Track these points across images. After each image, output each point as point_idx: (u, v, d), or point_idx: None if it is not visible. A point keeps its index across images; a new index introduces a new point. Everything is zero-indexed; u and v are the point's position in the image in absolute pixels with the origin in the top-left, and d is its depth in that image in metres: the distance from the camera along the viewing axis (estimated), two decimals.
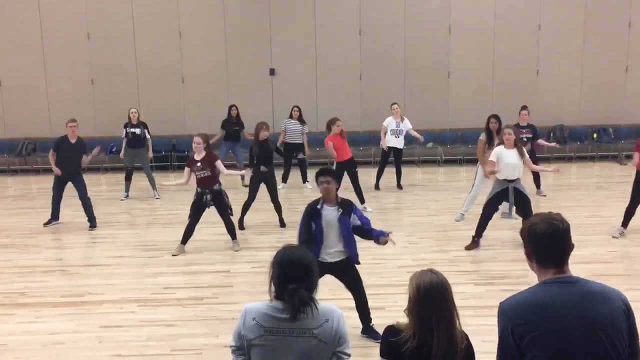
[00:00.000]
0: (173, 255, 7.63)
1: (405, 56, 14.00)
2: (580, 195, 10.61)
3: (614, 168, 13.27)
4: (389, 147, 11.20)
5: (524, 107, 10.49)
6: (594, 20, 13.88)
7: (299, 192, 11.30)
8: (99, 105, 13.95)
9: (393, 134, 11.13)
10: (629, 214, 7.93)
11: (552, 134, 14.15)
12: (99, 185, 12.27)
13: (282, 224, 8.90)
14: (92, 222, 9.07)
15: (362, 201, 9.71)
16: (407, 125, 11.24)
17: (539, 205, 9.65)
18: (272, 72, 13.99)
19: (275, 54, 13.95)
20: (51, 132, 13.76)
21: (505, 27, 13.90)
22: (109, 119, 13.58)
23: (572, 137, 14.24)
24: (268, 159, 8.83)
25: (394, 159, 11.38)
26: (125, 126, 11.14)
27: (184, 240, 7.75)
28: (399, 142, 11.20)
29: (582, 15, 13.90)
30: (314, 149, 12.81)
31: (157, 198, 10.90)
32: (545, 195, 10.48)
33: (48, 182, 9.63)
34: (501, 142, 7.63)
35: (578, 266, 6.91)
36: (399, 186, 11.39)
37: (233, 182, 11.20)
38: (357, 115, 13.83)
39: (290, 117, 11.70)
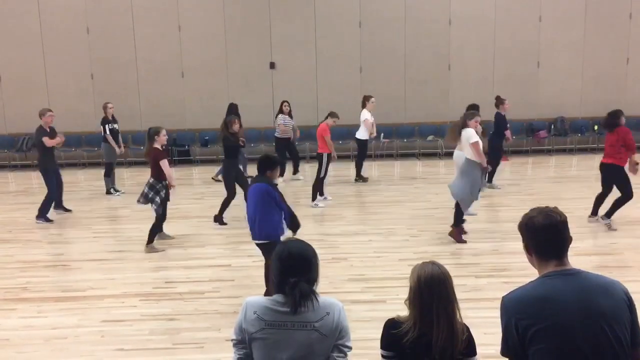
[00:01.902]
0: (147, 252, 7.59)
1: (406, 48, 13.97)
2: (581, 187, 10.61)
3: None
4: (362, 139, 11.37)
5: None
6: (595, 12, 13.84)
7: (292, 186, 11.31)
8: (99, 100, 13.88)
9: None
10: (599, 202, 8.27)
11: (552, 126, 14.15)
12: (100, 180, 12.26)
13: None
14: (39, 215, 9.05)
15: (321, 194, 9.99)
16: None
17: (541, 198, 9.66)
18: (272, 65, 13.96)
19: (276, 47, 13.92)
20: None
21: (506, 19, 13.86)
22: None
23: (573, 129, 14.23)
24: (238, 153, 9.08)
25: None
26: (106, 123, 11.00)
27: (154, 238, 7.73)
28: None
29: (583, 6, 13.85)
30: (315, 142, 12.81)
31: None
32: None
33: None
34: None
35: (579, 258, 6.93)
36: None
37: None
38: (357, 108, 13.78)
39: (282, 112, 11.64)
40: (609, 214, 7.96)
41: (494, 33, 13.93)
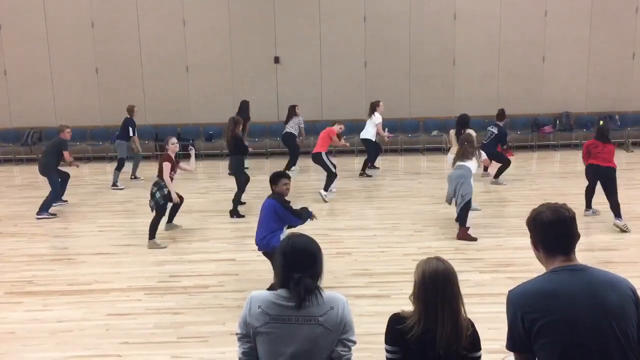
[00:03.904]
0: (149, 248, 7.56)
1: (410, 43, 13.93)
2: (586, 183, 10.57)
3: (620, 155, 13.19)
4: (368, 138, 11.54)
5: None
6: (601, 7, 13.76)
7: (296, 180, 11.31)
8: (104, 94, 13.96)
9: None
10: (587, 196, 8.44)
11: (557, 121, 14.11)
12: (105, 174, 12.32)
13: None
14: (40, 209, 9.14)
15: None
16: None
17: (546, 194, 9.64)
18: (276, 60, 13.94)
19: (280, 42, 13.90)
20: (56, 122, 13.77)
21: (512, 14, 13.80)
22: (114, 107, 13.59)
23: (578, 124, 14.16)
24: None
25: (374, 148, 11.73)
26: (133, 125, 11.53)
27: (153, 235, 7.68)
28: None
29: (589, 1, 13.78)
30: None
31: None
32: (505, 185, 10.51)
33: None
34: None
35: (584, 254, 6.92)
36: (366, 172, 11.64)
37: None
38: (362, 103, 13.79)
39: (296, 114, 11.82)
40: (616, 215, 7.82)
41: (500, 28, 13.87)
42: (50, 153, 9.45)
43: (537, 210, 2.55)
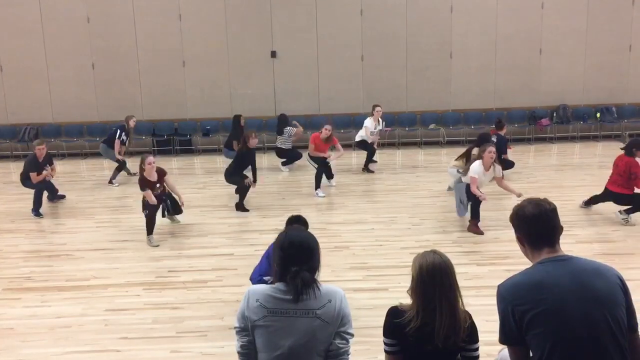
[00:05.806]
0: (155, 245, 7.55)
1: (407, 36, 13.90)
2: (583, 175, 10.61)
3: (617, 147, 13.19)
4: (357, 140, 11.63)
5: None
6: None
7: (293, 175, 11.32)
8: (100, 90, 13.90)
9: (371, 134, 11.49)
10: (592, 198, 8.29)
11: (554, 114, 14.11)
12: (102, 170, 12.31)
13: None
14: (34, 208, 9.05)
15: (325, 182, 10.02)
16: (382, 126, 11.70)
17: (543, 186, 9.65)
18: (273, 54, 13.91)
19: (276, 36, 13.86)
20: (53, 118, 13.78)
21: (508, 6, 13.77)
22: (111, 103, 13.57)
23: (575, 116, 14.17)
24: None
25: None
26: (123, 131, 11.22)
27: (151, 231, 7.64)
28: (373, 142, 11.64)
29: None
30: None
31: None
32: None
33: None
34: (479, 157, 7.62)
35: (581, 246, 6.94)
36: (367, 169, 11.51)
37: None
38: (359, 97, 13.80)
39: (288, 124, 11.89)
40: (628, 211, 7.75)
41: (496, 20, 13.84)
42: (25, 169, 9.23)
43: (518, 206, 2.62)
